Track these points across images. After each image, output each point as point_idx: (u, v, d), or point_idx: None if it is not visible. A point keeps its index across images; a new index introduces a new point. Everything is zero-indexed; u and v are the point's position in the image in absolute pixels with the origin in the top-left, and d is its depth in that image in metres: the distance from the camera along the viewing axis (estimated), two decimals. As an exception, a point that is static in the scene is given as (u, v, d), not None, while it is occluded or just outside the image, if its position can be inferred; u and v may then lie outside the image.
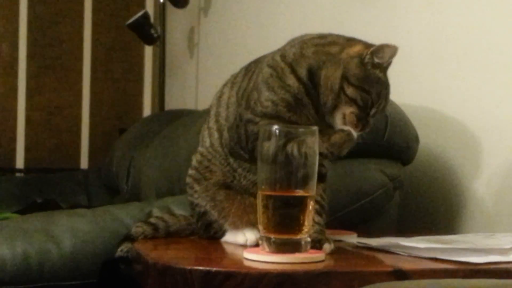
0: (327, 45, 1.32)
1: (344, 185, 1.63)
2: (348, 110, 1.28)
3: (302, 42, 1.33)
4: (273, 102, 1.29)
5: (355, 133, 1.29)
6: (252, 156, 1.32)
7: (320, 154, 1.25)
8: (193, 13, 3.49)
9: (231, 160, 1.37)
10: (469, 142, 1.82)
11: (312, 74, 1.29)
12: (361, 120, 1.28)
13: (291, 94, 1.29)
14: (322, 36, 1.34)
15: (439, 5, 1.95)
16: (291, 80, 1.30)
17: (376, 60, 1.27)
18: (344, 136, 1.29)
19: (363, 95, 1.27)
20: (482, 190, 1.78)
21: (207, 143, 1.41)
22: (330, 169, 1.38)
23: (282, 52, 1.34)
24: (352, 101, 1.27)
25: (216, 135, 1.40)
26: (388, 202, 1.69)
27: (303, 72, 1.30)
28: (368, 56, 1.27)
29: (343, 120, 1.29)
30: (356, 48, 1.29)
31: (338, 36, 1.34)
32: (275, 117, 1.29)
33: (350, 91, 1.27)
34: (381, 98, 1.29)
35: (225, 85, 1.43)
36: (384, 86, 1.29)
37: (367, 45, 1.30)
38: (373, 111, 1.29)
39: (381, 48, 1.27)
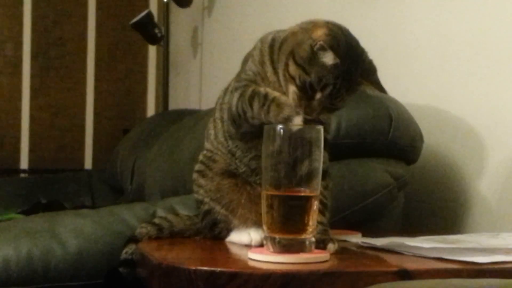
0: (300, 26, 1.32)
1: (349, 185, 1.63)
2: (291, 89, 1.27)
3: (293, 25, 1.35)
4: (253, 72, 1.34)
5: (299, 117, 1.25)
6: (235, 126, 1.34)
7: (265, 96, 1.27)
8: (197, 12, 3.49)
9: (230, 143, 1.38)
10: (473, 141, 1.82)
11: (276, 52, 1.32)
12: (303, 101, 1.26)
13: (264, 71, 1.33)
14: (311, 20, 1.33)
15: (444, 4, 1.95)
16: (266, 57, 1.33)
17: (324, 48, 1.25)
18: (291, 102, 1.26)
19: (301, 74, 1.25)
20: (487, 190, 1.78)
21: (212, 136, 1.42)
22: (332, 167, 1.38)
23: (278, 30, 1.37)
24: (292, 79, 1.27)
25: (219, 124, 1.41)
26: (393, 202, 1.69)
27: (276, 49, 1.32)
28: (320, 43, 1.25)
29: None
30: (318, 32, 1.27)
31: (324, 20, 1.32)
32: (253, 82, 1.33)
33: (292, 68, 1.27)
34: (322, 83, 1.25)
35: (232, 80, 1.44)
36: (330, 72, 1.24)
37: (328, 34, 1.27)
38: (317, 95, 1.26)
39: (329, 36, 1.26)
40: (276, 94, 1.28)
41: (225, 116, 1.39)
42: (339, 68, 1.25)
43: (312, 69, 1.25)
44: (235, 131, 1.36)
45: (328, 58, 1.24)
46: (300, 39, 1.28)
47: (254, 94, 1.29)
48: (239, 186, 1.37)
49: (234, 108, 1.34)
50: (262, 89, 1.30)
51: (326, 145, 1.30)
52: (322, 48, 1.24)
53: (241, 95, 1.32)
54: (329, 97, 1.26)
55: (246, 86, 1.33)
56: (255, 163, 1.34)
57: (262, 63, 1.34)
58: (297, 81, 1.26)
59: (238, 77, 1.38)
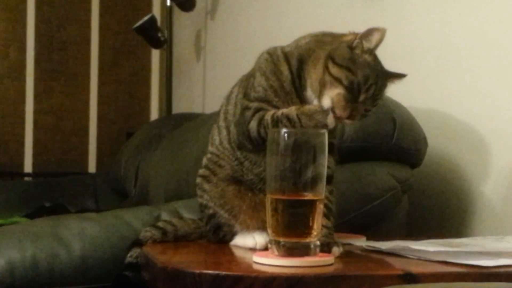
0: (321, 36, 1.34)
1: (353, 188, 1.63)
2: (334, 92, 1.26)
3: (302, 36, 1.36)
4: (263, 88, 1.32)
5: (330, 116, 1.25)
6: (254, 145, 1.33)
7: (288, 117, 1.25)
8: (200, 16, 3.49)
9: (238, 153, 1.37)
10: (477, 144, 1.82)
11: (302, 63, 1.31)
12: (350, 103, 1.25)
13: (279, 81, 1.31)
14: (323, 31, 1.36)
15: (447, 7, 1.95)
16: (284, 67, 1.32)
17: (365, 44, 1.27)
18: (316, 107, 1.26)
19: (348, 74, 1.25)
20: (491, 193, 1.78)
21: (217, 141, 1.42)
22: (336, 171, 1.38)
23: (282, 46, 1.37)
24: (337, 80, 1.25)
25: (224, 132, 1.41)
26: (397, 205, 1.69)
27: (294, 62, 1.32)
28: (357, 41, 1.26)
29: (332, 104, 1.26)
30: (348, 37, 1.29)
31: (339, 33, 1.34)
32: (265, 101, 1.31)
33: (334, 70, 1.26)
34: (369, 82, 1.25)
35: (234, 85, 1.44)
36: (372, 71, 1.26)
37: (358, 36, 1.29)
38: (362, 96, 1.26)
39: (369, 32, 1.27)
40: (293, 109, 1.26)
41: (233, 130, 1.38)
42: (378, 68, 1.27)
43: (357, 68, 1.26)
44: (255, 148, 1.34)
45: (368, 55, 1.26)
46: (331, 45, 1.29)
47: (277, 120, 1.27)
48: (242, 193, 1.37)
49: (255, 134, 1.31)
50: (279, 113, 1.27)
51: (332, 150, 1.30)
52: (361, 46, 1.26)
53: (260, 123, 1.29)
54: (372, 98, 1.27)
55: (260, 110, 1.31)
56: (263, 171, 1.33)
57: (277, 73, 1.32)
58: (344, 81, 1.25)
59: (244, 91, 1.36)
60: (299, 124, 1.24)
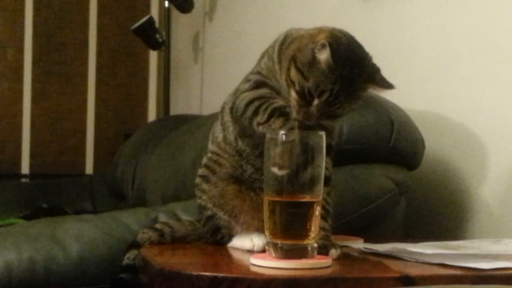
0: (306, 31, 1.32)
1: (350, 191, 1.63)
2: (292, 93, 1.27)
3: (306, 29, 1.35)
4: (267, 67, 1.35)
5: (294, 133, 1.23)
6: (252, 133, 1.34)
7: (274, 108, 1.27)
8: (198, 18, 3.49)
9: (240, 141, 1.37)
10: (475, 147, 1.82)
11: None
12: (302, 107, 1.25)
13: (274, 68, 1.34)
14: (318, 26, 1.34)
15: (444, 9, 1.95)
16: (275, 55, 1.34)
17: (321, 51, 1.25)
18: (283, 121, 1.27)
19: (300, 80, 1.25)
20: (488, 195, 1.78)
21: (220, 138, 1.42)
22: (334, 173, 1.38)
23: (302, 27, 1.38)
24: (292, 83, 1.26)
25: (231, 127, 1.40)
26: (394, 208, 1.69)
27: (283, 50, 1.33)
28: (319, 46, 1.24)
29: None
30: (321, 36, 1.26)
31: (331, 27, 1.31)
32: (265, 77, 1.34)
33: (292, 73, 1.27)
34: (319, 89, 1.23)
35: (240, 83, 1.44)
36: (326, 77, 1.23)
37: (328, 37, 1.26)
38: (315, 102, 1.24)
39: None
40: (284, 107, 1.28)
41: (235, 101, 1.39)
42: (336, 74, 1.23)
43: (310, 75, 1.24)
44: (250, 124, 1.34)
45: (325, 61, 1.23)
46: (303, 44, 1.28)
47: (267, 106, 1.30)
48: (243, 192, 1.37)
49: (243, 105, 1.34)
50: (275, 104, 1.30)
51: (329, 152, 1.30)
52: (321, 50, 1.23)
53: (250, 103, 1.33)
54: (327, 103, 1.25)
55: (258, 82, 1.34)
56: (260, 161, 1.32)
57: (274, 62, 1.34)
58: (296, 86, 1.25)
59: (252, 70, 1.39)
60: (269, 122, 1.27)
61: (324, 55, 1.23)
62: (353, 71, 1.25)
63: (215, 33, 3.39)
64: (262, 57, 1.40)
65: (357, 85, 1.26)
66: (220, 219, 1.38)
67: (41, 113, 3.71)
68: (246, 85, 1.36)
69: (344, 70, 1.24)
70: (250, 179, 1.37)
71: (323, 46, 1.23)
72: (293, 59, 1.27)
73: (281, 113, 1.27)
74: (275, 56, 1.34)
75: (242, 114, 1.33)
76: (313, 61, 1.24)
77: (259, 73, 1.36)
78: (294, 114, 1.26)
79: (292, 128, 1.24)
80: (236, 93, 1.39)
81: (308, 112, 1.25)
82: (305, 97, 1.25)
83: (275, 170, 1.20)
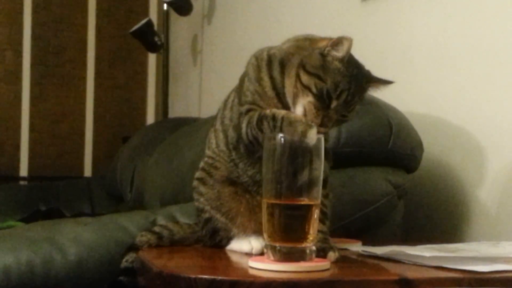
0: (302, 40, 1.34)
1: (349, 193, 1.63)
2: (306, 100, 1.26)
3: (288, 38, 1.36)
4: (250, 92, 1.34)
5: (313, 131, 1.22)
6: (249, 149, 1.33)
7: (273, 116, 1.25)
8: (196, 20, 3.49)
9: (234, 153, 1.38)
10: (473, 150, 1.82)
11: (283, 67, 1.32)
12: (321, 110, 1.26)
13: (261, 87, 1.32)
14: (306, 35, 1.36)
15: (442, 12, 1.96)
16: (264, 73, 1.33)
17: (334, 52, 1.27)
18: (302, 118, 1.24)
19: (317, 82, 1.25)
20: (486, 198, 1.78)
21: (213, 145, 1.43)
22: (332, 176, 1.38)
23: (270, 47, 1.37)
24: (307, 89, 1.26)
25: (221, 136, 1.41)
26: (393, 210, 1.69)
27: (276, 65, 1.32)
28: (328, 48, 1.27)
29: (304, 112, 1.26)
30: (323, 43, 1.29)
31: (320, 36, 1.34)
32: (254, 104, 1.33)
33: (304, 78, 1.27)
34: (339, 89, 1.25)
35: (232, 90, 1.44)
36: (344, 77, 1.26)
37: (333, 42, 1.28)
38: (333, 103, 1.26)
39: (339, 40, 1.27)
40: (283, 112, 1.26)
41: (231, 134, 1.38)
42: (350, 72, 1.26)
43: (327, 76, 1.26)
44: (251, 155, 1.35)
45: (339, 62, 1.25)
46: (307, 51, 1.29)
47: (262, 117, 1.28)
48: (239, 195, 1.37)
49: (245, 137, 1.32)
50: (267, 111, 1.28)
51: (326, 154, 1.30)
52: (332, 53, 1.26)
53: (249, 122, 1.31)
54: (345, 104, 1.27)
55: (250, 111, 1.32)
56: (260, 176, 1.33)
57: (259, 80, 1.33)
58: (313, 89, 1.25)
59: (239, 96, 1.37)
60: (279, 126, 1.24)
61: (340, 53, 1.25)
62: (358, 71, 1.29)
63: (214, 36, 3.39)
64: (241, 82, 1.38)
65: (363, 85, 1.30)
66: (217, 221, 1.38)
67: (39, 115, 3.71)
68: (244, 121, 1.33)
69: (354, 70, 1.27)
70: (245, 184, 1.37)
71: (337, 43, 1.25)
72: (302, 65, 1.28)
73: (289, 119, 1.26)
74: (264, 74, 1.32)
75: (256, 137, 1.30)
76: (325, 63, 1.26)
77: (247, 103, 1.33)
78: (310, 120, 1.25)
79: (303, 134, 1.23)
80: (229, 127, 1.39)
81: (327, 115, 1.26)
82: (323, 100, 1.26)
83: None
